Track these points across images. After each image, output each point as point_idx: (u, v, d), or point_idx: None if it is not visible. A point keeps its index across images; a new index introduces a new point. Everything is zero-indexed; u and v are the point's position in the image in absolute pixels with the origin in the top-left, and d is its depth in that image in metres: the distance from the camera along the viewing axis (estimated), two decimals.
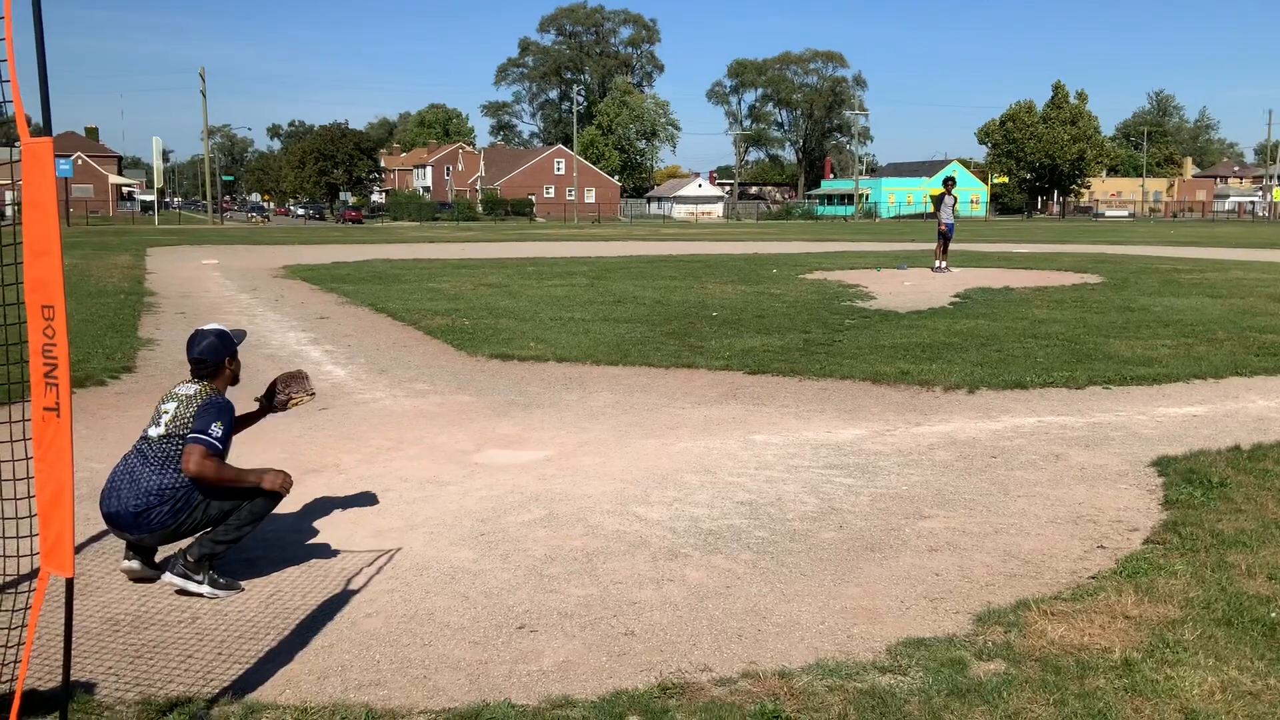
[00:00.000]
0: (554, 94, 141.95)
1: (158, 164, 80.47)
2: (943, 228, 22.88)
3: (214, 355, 4.75)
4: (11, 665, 3.32)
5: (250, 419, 5.29)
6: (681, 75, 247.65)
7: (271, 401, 5.22)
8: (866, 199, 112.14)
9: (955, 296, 16.91)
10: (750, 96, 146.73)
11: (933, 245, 24.16)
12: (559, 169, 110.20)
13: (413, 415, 8.38)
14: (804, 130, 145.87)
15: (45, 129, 2.92)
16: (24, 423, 3.09)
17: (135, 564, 4.60)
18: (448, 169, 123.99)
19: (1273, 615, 4.11)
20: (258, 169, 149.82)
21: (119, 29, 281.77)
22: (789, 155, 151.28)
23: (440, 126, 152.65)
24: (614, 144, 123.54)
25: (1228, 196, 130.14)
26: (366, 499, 6.00)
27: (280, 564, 4.93)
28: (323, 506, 5.85)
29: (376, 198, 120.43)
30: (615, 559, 5.00)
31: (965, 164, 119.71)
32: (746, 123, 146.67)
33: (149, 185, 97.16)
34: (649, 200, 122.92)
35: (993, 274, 22.25)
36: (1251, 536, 5.08)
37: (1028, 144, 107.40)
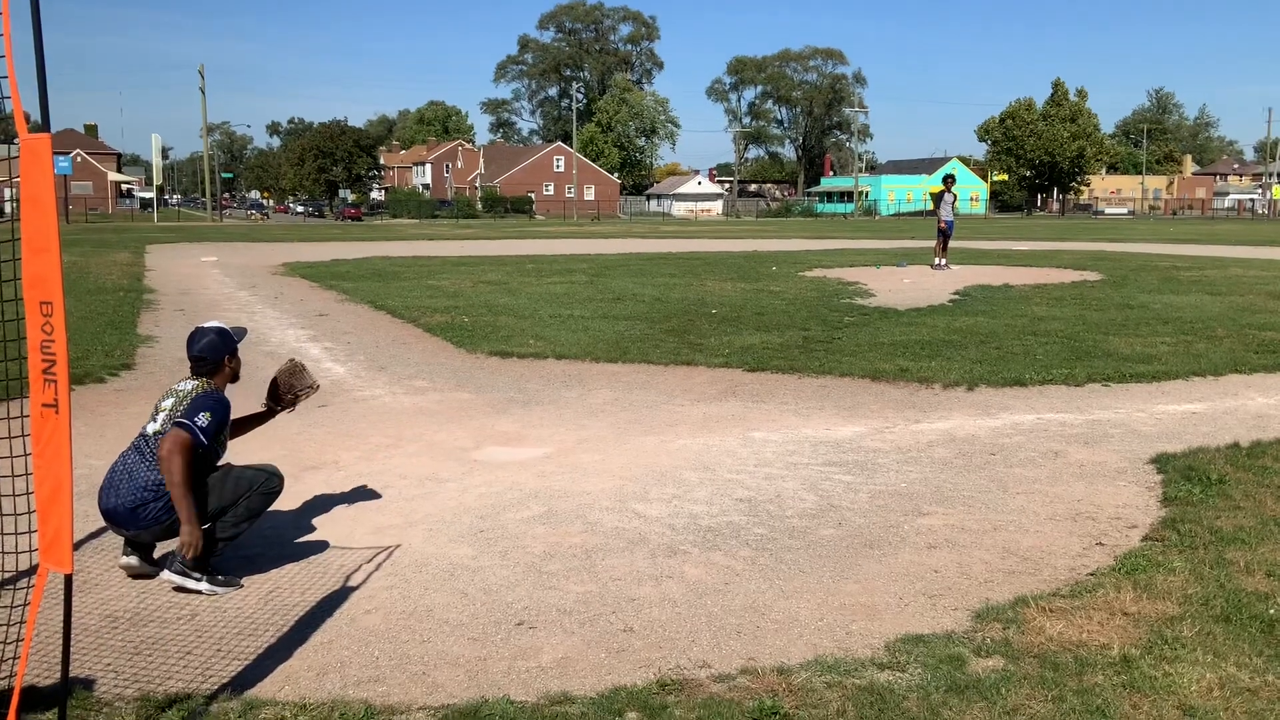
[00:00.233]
0: (553, 91, 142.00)
1: (157, 161, 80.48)
2: (942, 225, 22.89)
3: (214, 353, 4.75)
4: (10, 661, 3.32)
5: (258, 419, 5.30)
6: (681, 72, 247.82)
7: (278, 402, 5.22)
8: (866, 196, 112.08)
9: (955, 294, 16.91)
10: (750, 94, 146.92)
11: (932, 243, 24.16)
12: (558, 166, 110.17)
13: (412, 412, 8.38)
14: (804, 127, 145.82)
15: (44, 125, 2.92)
16: (23, 419, 3.09)
17: (133, 560, 4.60)
18: (447, 166, 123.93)
19: (1271, 612, 4.11)
20: (257, 166, 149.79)
21: (118, 26, 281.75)
22: (788, 153, 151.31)
23: (440, 124, 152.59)
24: (613, 141, 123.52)
25: (1227, 194, 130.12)
26: (365, 496, 6.00)
27: (279, 561, 4.93)
28: (322, 503, 5.85)
29: (376, 195, 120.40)
30: (614, 556, 5.00)
31: (965, 161, 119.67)
32: (746, 120, 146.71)
33: (148, 182, 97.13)
34: (648, 198, 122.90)
35: (992, 271, 22.25)
36: (1250, 533, 5.08)
37: (1027, 141, 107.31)
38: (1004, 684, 3.56)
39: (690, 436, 7.46)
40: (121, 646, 3.95)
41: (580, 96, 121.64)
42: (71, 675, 3.34)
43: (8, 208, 3.29)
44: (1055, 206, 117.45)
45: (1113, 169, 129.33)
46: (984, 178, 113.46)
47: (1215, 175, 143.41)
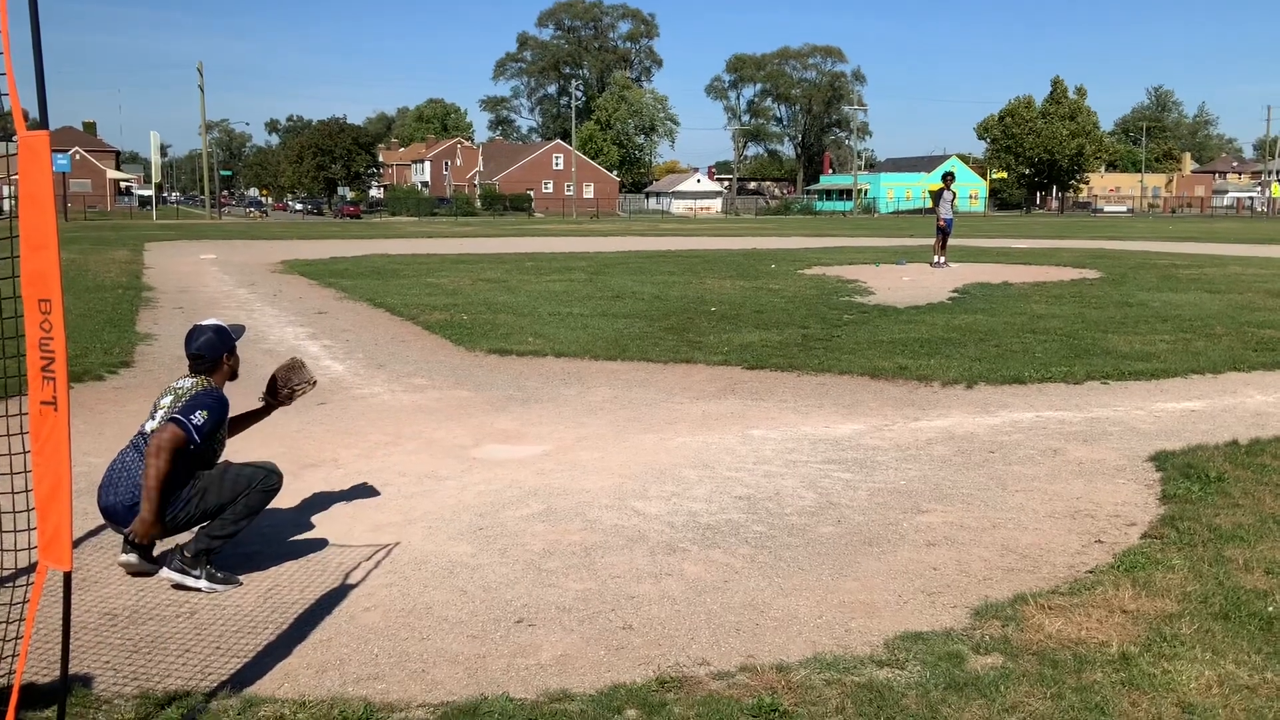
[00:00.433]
0: (552, 89, 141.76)
1: (155, 159, 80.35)
2: (941, 223, 22.88)
3: (212, 351, 4.74)
4: (10, 659, 3.32)
5: (257, 416, 5.30)
6: (680, 70, 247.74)
7: (275, 397, 5.22)
8: (865, 194, 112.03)
9: (954, 292, 16.91)
10: (749, 91, 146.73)
11: (931, 240, 24.16)
12: (557, 164, 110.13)
13: (411, 410, 8.38)
14: (803, 125, 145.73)
15: (42, 122, 2.91)
16: (21, 416, 3.09)
17: (133, 558, 4.60)
18: (446, 164, 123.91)
19: (1270, 609, 4.11)
20: (256, 164, 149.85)
21: (117, 24, 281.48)
22: (788, 150, 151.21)
23: (438, 121, 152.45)
24: (612, 139, 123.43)
25: (1226, 192, 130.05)
26: (364, 494, 6.00)
27: (278, 558, 4.93)
28: (321, 501, 5.85)
29: (375, 193, 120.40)
30: (613, 553, 5.00)
31: (964, 159, 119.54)
32: (745, 118, 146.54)
33: (147, 180, 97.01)
34: (647, 195, 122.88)
35: (991, 269, 22.25)
36: (1249, 531, 5.09)
37: (1026, 139, 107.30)
38: (1003, 681, 3.56)
39: (689, 434, 7.46)
40: (120, 644, 3.95)
41: (579, 94, 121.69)
42: (71, 673, 3.34)
43: (5, 205, 3.28)
44: (1054, 204, 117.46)
45: (1112, 167, 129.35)
46: (983, 175, 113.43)
47: (1214, 173, 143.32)
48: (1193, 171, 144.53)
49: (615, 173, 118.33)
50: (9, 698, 3.19)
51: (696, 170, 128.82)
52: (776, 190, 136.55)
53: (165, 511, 4.42)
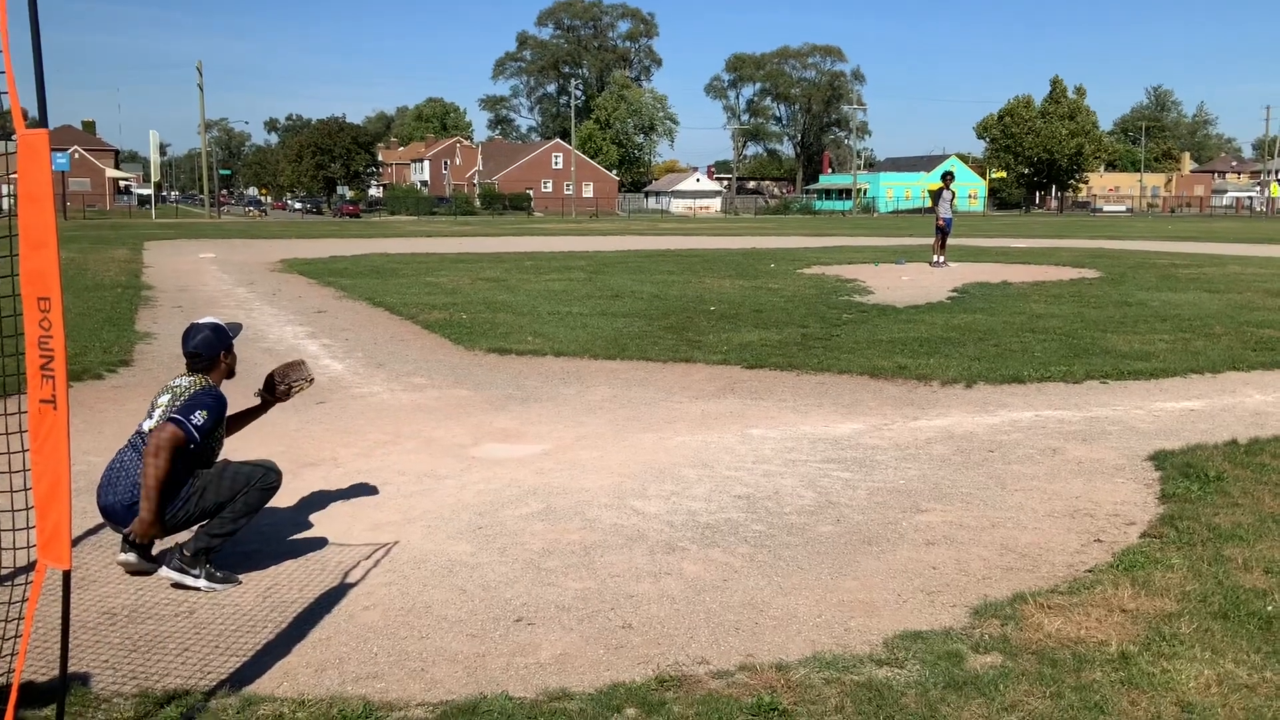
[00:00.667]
0: (552, 88, 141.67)
1: (155, 158, 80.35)
2: (941, 222, 22.88)
3: (209, 349, 4.74)
4: (9, 658, 3.31)
5: (254, 413, 5.30)
6: (679, 70, 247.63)
7: (272, 393, 5.21)
8: (864, 194, 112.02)
9: (953, 291, 16.91)
10: (748, 91, 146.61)
11: (931, 240, 24.16)
12: (557, 163, 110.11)
13: (410, 409, 8.38)
14: (802, 125, 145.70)
15: (41, 121, 2.91)
16: (20, 415, 3.09)
17: (132, 557, 4.60)
18: (445, 163, 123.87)
19: (1269, 609, 4.12)
20: (255, 163, 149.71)
21: (117, 23, 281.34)
22: (787, 150, 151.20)
23: (438, 120, 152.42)
24: (612, 138, 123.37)
25: (1225, 192, 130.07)
26: (364, 492, 6.00)
27: (277, 557, 4.93)
28: (320, 500, 5.85)
29: (374, 192, 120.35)
30: (613, 552, 5.00)
31: (963, 159, 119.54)
32: (745, 117, 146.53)
33: (146, 179, 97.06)
34: (647, 195, 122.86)
35: (990, 269, 22.26)
36: (1248, 530, 5.09)
37: (1026, 139, 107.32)
38: (1002, 680, 3.56)
39: (689, 433, 7.46)
40: (120, 643, 3.95)
41: (579, 93, 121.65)
42: (70, 671, 3.33)
43: (4, 204, 3.28)
44: (1053, 204, 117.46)
45: (1111, 166, 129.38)
46: (982, 175, 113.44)
47: (1213, 173, 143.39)
48: (1192, 171, 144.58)
49: (614, 172, 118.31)
50: (8, 696, 3.18)
51: (696, 170, 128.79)
52: (776, 190, 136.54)
53: (164, 511, 4.42)
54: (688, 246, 33.14)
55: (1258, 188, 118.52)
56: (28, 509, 3.15)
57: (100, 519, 4.75)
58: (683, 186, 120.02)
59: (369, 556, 4.94)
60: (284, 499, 5.49)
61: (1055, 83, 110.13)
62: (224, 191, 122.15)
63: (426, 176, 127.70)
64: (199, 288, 18.27)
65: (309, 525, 5.43)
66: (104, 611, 4.26)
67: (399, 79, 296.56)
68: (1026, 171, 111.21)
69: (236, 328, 4.97)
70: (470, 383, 9.45)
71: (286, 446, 6.95)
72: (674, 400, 8.64)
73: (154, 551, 4.67)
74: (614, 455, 6.86)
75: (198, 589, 4.47)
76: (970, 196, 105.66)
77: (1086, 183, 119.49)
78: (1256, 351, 10.71)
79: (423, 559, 4.90)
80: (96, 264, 23.06)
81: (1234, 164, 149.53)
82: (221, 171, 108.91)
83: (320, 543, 5.15)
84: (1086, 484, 6.14)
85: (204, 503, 4.52)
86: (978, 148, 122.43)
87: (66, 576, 3.15)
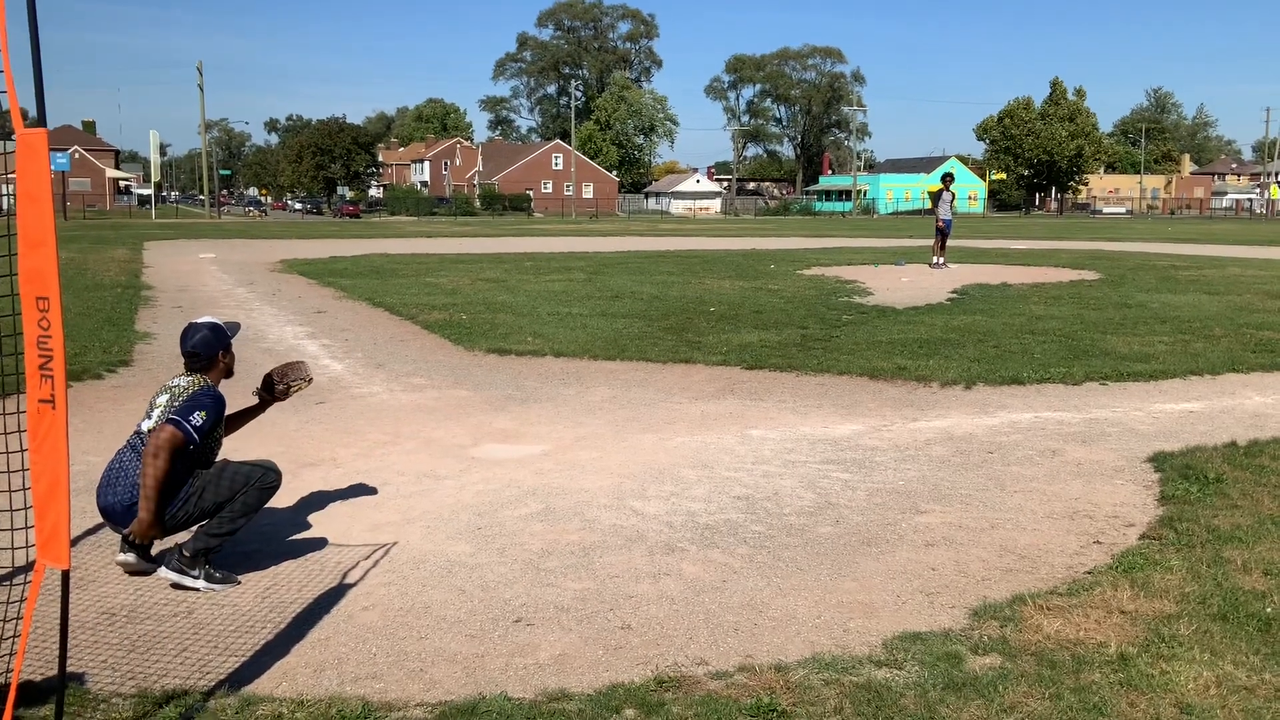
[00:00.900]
0: (552, 89, 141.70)
1: (155, 158, 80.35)
2: (940, 224, 22.89)
3: (207, 349, 4.74)
4: (7, 657, 3.31)
5: (253, 413, 5.29)
6: (680, 71, 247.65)
7: (271, 392, 5.21)
8: (864, 195, 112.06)
9: (953, 292, 16.91)
10: (748, 92, 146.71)
11: (930, 241, 24.16)
12: (557, 164, 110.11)
13: (410, 409, 8.37)
14: (802, 126, 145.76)
15: (40, 120, 2.91)
16: (19, 415, 3.09)
17: (131, 557, 4.59)
18: (445, 164, 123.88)
19: (1268, 610, 4.11)
20: (255, 163, 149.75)
21: (117, 23, 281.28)
22: (787, 151, 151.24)
23: (438, 121, 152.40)
24: (612, 139, 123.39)
25: (1225, 193, 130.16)
26: (363, 493, 6.00)
27: (277, 557, 4.93)
28: (319, 500, 5.85)
29: (374, 192, 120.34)
30: (612, 553, 5.00)
31: (963, 160, 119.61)
32: (745, 118, 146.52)
33: (146, 179, 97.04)
34: (647, 196, 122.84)
35: (990, 270, 22.26)
36: (1247, 532, 5.09)
37: (1026, 140, 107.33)
38: (1001, 682, 3.56)
39: (688, 434, 7.46)
40: (118, 642, 3.95)
41: (579, 94, 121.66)
42: (68, 671, 3.33)
43: (4, 203, 3.28)
44: (1053, 205, 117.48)
45: (1111, 168, 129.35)
46: (982, 177, 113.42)
47: (1213, 175, 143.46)
48: (1192, 173, 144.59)
49: (614, 173, 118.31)
50: (7, 695, 3.18)
51: (696, 171, 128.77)
52: (776, 191, 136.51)
53: (163, 512, 4.42)
54: (688, 247, 33.14)
55: (1258, 190, 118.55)
56: (26, 509, 3.15)
57: (99, 519, 4.75)
58: (683, 187, 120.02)
59: (368, 557, 4.94)
60: (283, 499, 5.49)
61: (1055, 84, 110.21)
62: (224, 192, 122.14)
63: (426, 177, 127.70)
64: (199, 288, 18.27)
65: (308, 525, 5.43)
66: (103, 611, 4.26)
67: (399, 79, 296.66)
68: (1026, 173, 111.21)
69: (235, 327, 4.96)
70: (470, 383, 9.45)
71: (286, 446, 6.95)
72: (673, 401, 8.64)
73: (153, 552, 4.67)
74: (613, 456, 6.86)
75: (197, 589, 4.46)
76: (970, 198, 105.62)
77: (1086, 184, 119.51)
78: (1256, 353, 10.71)
79: (422, 559, 4.90)
80: (96, 264, 23.06)
81: (1234, 166, 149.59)
82: (222, 172, 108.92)
83: (319, 543, 5.15)
84: (1086, 486, 6.14)
85: (203, 503, 4.52)
86: (978, 149, 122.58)
87: (65, 576, 3.15)
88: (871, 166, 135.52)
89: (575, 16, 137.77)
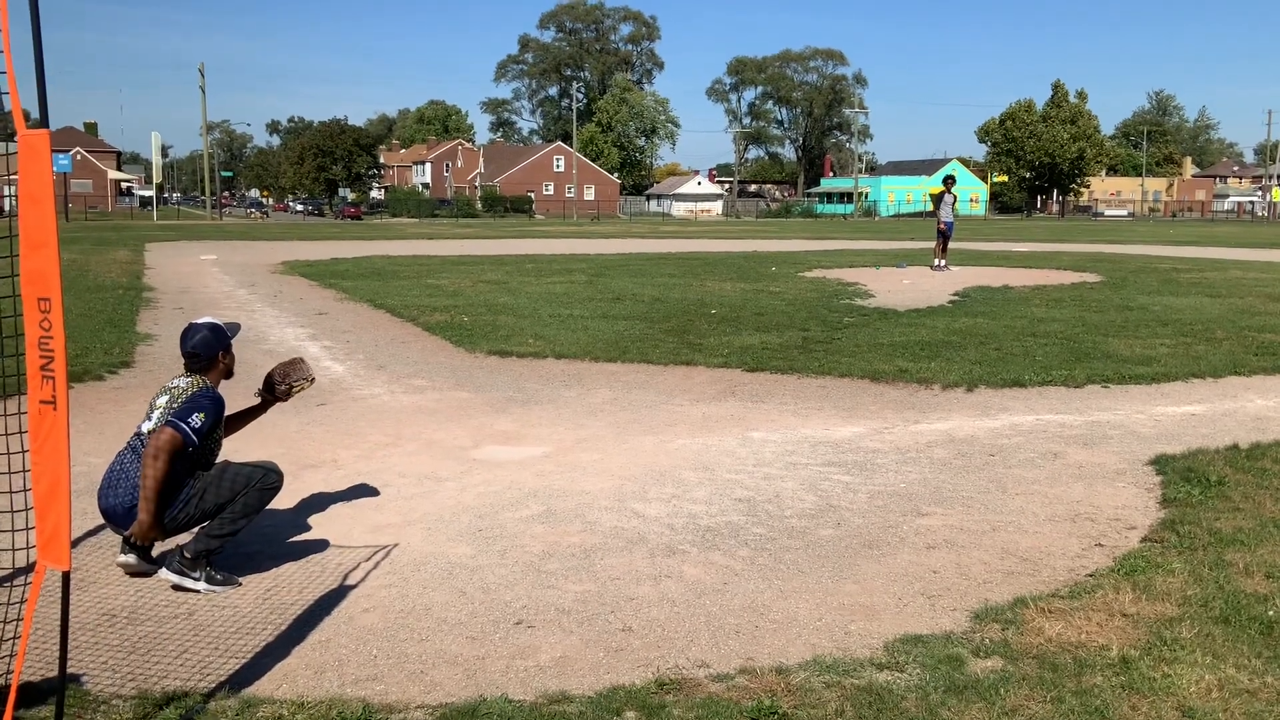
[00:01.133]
0: (553, 91, 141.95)
1: (157, 159, 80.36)
2: (942, 226, 22.88)
3: (207, 349, 4.73)
4: (8, 658, 3.31)
5: (254, 413, 5.29)
6: (681, 73, 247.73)
7: (272, 392, 5.21)
8: (866, 197, 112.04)
9: (954, 295, 16.91)
10: (750, 94, 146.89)
11: (932, 244, 24.16)
12: (558, 166, 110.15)
13: (411, 411, 8.37)
14: (804, 128, 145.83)
15: (42, 121, 2.91)
16: (20, 416, 3.09)
17: (132, 559, 4.59)
18: (447, 165, 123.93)
19: (1270, 613, 4.11)
20: (257, 165, 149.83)
21: (119, 24, 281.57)
22: (789, 153, 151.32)
23: (439, 123, 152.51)
24: (613, 141, 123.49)
25: (1227, 196, 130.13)
26: (364, 494, 5.99)
27: (277, 559, 4.92)
28: (320, 502, 5.84)
29: (375, 194, 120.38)
30: (613, 555, 4.99)
31: (965, 162, 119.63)
32: (746, 120, 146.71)
33: (148, 181, 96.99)
34: (648, 198, 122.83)
35: (992, 272, 22.25)
36: (1249, 535, 5.08)
37: (1027, 143, 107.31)
38: (1003, 685, 3.55)
39: (689, 436, 7.45)
40: (119, 644, 3.94)
41: (580, 96, 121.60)
42: (68, 672, 3.33)
43: (6, 204, 3.28)
44: (1055, 208, 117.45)
45: (1112, 171, 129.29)
46: (984, 179, 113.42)
47: (1215, 177, 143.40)
48: (1193, 176, 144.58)
49: (616, 175, 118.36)
50: (7, 697, 3.18)
51: (697, 173, 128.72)
52: (777, 193, 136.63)
53: (164, 514, 4.42)
54: (689, 249, 33.14)
55: (1259, 192, 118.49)
56: (27, 510, 3.15)
57: (100, 520, 4.75)
58: (684, 190, 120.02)
59: (369, 558, 4.93)
60: (284, 500, 5.49)
61: (1057, 87, 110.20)
62: (225, 193, 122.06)
63: (428, 179, 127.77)
64: (200, 289, 18.28)
65: (309, 527, 5.43)
66: (103, 613, 4.26)
67: (401, 81, 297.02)
68: (1028, 175, 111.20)
69: (235, 328, 4.96)
70: (471, 385, 9.45)
71: (287, 448, 6.95)
72: (675, 403, 8.64)
73: (154, 553, 4.67)
74: (615, 458, 6.86)
75: (197, 591, 4.46)
76: (971, 200, 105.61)
77: (1088, 187, 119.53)
78: (1258, 356, 10.70)
79: (423, 561, 4.89)
80: (98, 265, 23.08)
81: (1235, 169, 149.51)
82: (223, 173, 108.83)
83: (320, 544, 5.14)
84: (1087, 488, 6.14)
85: (204, 504, 4.51)
86: (979, 151, 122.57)
87: (66, 577, 3.15)
88: (873, 169, 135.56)
89: (577, 18, 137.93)
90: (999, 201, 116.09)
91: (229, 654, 3.87)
